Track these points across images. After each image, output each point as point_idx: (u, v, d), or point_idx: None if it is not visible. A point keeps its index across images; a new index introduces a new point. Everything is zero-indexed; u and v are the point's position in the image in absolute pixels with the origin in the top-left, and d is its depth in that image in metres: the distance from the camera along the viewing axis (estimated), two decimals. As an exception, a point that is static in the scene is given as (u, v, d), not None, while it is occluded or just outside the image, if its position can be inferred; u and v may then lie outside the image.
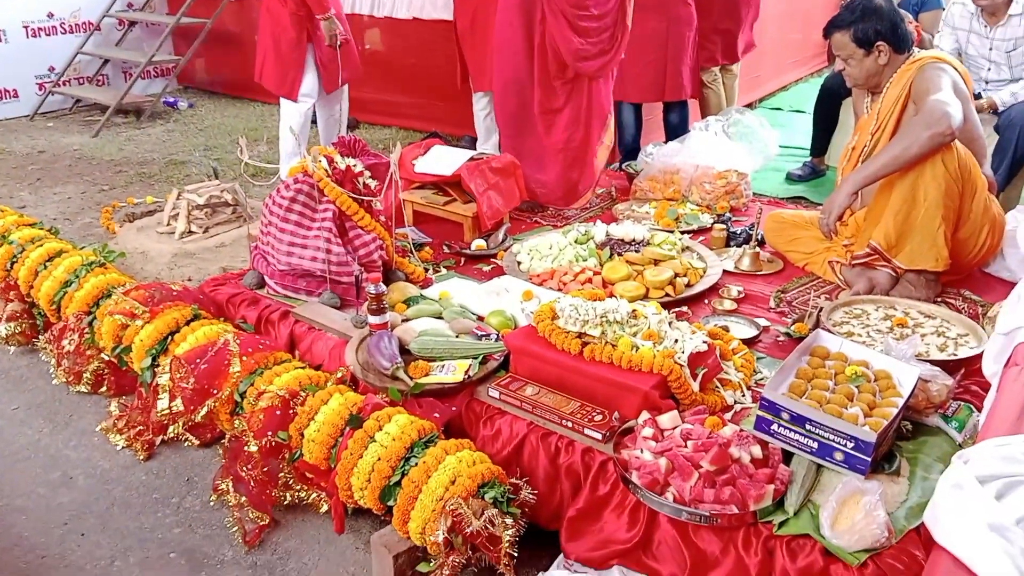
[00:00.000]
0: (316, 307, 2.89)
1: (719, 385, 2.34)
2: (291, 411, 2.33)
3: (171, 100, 7.37)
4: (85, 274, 3.16)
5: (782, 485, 1.91)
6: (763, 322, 2.80)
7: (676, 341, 2.30)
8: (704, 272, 3.13)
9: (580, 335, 2.33)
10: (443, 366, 2.44)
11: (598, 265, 3.15)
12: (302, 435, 2.28)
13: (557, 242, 3.32)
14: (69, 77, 7.36)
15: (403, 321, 2.70)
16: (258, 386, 2.46)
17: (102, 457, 2.71)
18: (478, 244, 3.45)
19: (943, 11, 4.50)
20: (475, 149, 4.38)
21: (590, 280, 3.01)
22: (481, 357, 2.46)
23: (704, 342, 2.30)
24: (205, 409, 2.53)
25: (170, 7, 7.82)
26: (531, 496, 2.08)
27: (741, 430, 2.04)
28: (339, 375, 2.51)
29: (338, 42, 4.46)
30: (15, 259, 3.40)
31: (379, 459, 2.10)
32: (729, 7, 4.74)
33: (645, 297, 2.90)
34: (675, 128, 4.66)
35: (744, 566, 1.84)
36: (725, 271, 3.19)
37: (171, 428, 2.65)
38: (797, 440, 1.94)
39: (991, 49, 3.98)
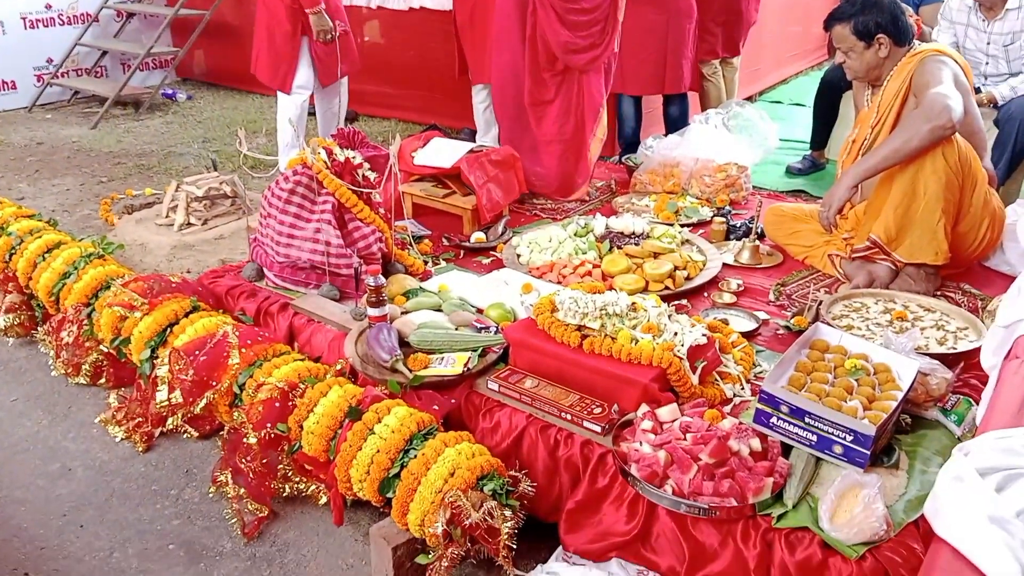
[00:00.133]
0: (315, 299, 2.89)
1: (718, 378, 2.34)
2: (290, 403, 2.33)
3: (169, 92, 7.34)
4: (84, 266, 3.15)
5: (781, 478, 1.91)
6: (762, 315, 2.80)
7: (675, 334, 2.30)
8: (704, 265, 3.12)
9: (579, 328, 2.33)
10: (442, 358, 2.44)
11: (598, 258, 3.15)
12: (301, 427, 2.28)
13: (556, 235, 3.32)
14: (67, 69, 7.34)
15: (402, 314, 2.70)
16: (257, 378, 2.46)
17: (101, 449, 2.71)
18: (477, 237, 3.45)
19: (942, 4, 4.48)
20: (474, 142, 4.37)
21: (589, 273, 3.01)
22: (480, 350, 2.46)
23: (703, 335, 2.29)
24: (204, 401, 2.53)
25: (168, -2, 7.81)
26: (530, 488, 2.08)
27: (740, 423, 2.04)
28: (338, 367, 2.51)
29: (327, 37, 4.39)
30: (14, 250, 3.40)
31: (378, 451, 2.10)
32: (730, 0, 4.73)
33: (645, 290, 2.90)
34: (675, 121, 4.65)
35: (743, 559, 1.84)
36: (725, 264, 3.19)
37: (170, 420, 2.65)
38: (796, 433, 1.95)
39: (989, 43, 3.97)
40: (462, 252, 3.40)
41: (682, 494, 1.90)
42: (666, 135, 4.41)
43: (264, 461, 2.35)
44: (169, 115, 6.84)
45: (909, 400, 2.12)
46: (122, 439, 2.73)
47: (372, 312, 2.55)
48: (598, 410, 2.18)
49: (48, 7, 7.20)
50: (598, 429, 2.13)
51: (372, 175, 2.98)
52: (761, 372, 2.45)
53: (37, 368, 3.18)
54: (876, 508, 1.75)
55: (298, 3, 4.32)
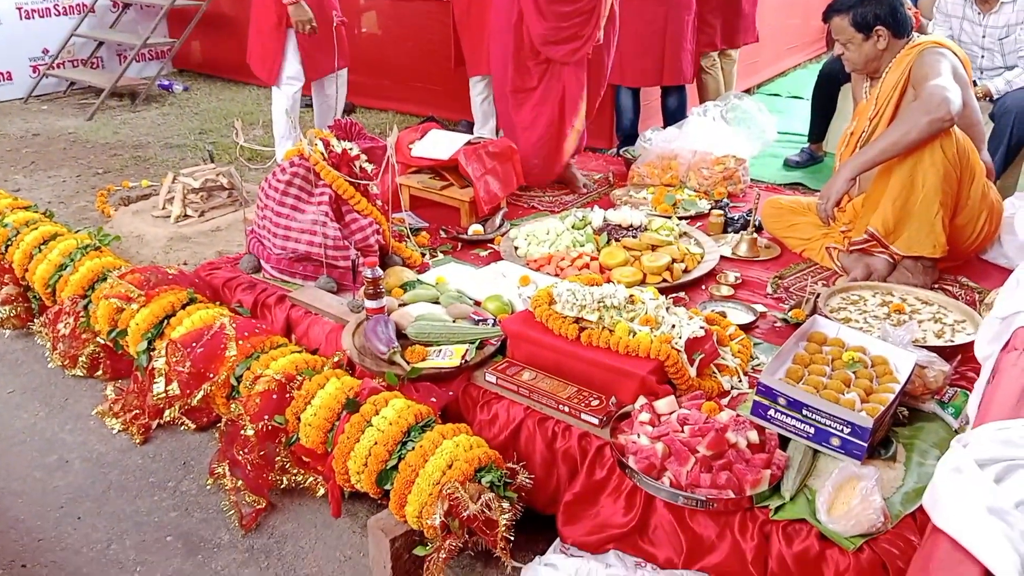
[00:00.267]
0: (313, 291, 2.88)
1: (716, 370, 2.34)
2: (288, 395, 2.32)
3: (166, 83, 7.31)
4: (80, 257, 3.14)
5: (778, 470, 1.91)
6: (760, 308, 2.79)
7: (673, 326, 2.30)
8: (701, 258, 3.12)
9: (577, 320, 2.33)
10: (440, 351, 2.43)
11: (595, 250, 3.14)
12: (299, 419, 2.27)
13: (554, 227, 3.32)
14: (63, 59, 7.30)
15: (400, 306, 2.69)
16: (254, 370, 2.45)
17: (98, 441, 2.70)
18: (475, 229, 3.44)
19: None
20: (472, 133, 4.36)
21: (587, 265, 3.00)
22: (478, 342, 2.46)
23: (701, 327, 2.29)
24: (201, 393, 2.52)
25: (164, -11, 7.76)
26: (528, 480, 2.08)
27: (738, 415, 2.04)
28: (336, 359, 2.50)
29: (307, 28, 4.28)
30: (10, 242, 3.38)
31: (376, 443, 2.10)
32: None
33: (642, 282, 2.90)
34: (673, 113, 4.64)
35: (740, 551, 1.85)
36: (722, 257, 3.18)
37: (167, 412, 2.65)
38: (794, 425, 1.95)
39: (984, 36, 3.96)
40: (460, 244, 3.40)
41: (680, 486, 1.90)
42: (664, 127, 4.40)
43: (262, 453, 2.34)
44: (165, 106, 6.82)
45: (906, 393, 2.12)
46: (119, 431, 2.73)
47: (369, 304, 2.55)
48: (596, 402, 2.18)
49: (44, -3, 7.18)
50: (596, 421, 2.13)
51: (369, 167, 2.97)
52: (759, 364, 2.45)
53: (34, 360, 3.17)
54: (873, 500, 1.75)
55: None
